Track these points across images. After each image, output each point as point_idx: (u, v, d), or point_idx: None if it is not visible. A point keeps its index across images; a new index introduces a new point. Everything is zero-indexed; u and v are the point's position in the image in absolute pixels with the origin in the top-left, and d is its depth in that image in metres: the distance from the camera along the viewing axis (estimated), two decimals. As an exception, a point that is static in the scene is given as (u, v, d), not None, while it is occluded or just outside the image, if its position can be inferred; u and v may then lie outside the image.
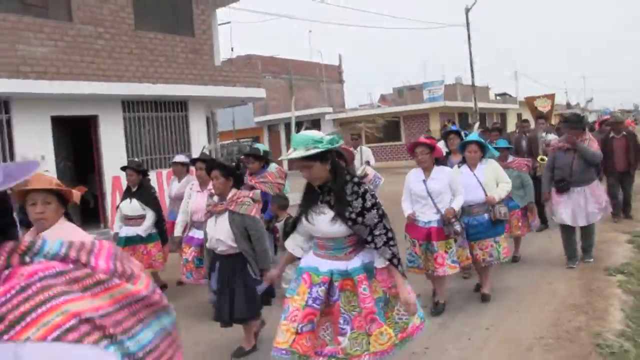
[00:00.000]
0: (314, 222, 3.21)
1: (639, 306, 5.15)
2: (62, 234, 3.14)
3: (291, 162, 3.49)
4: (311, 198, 3.28)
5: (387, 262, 3.13)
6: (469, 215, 5.56)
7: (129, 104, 12.12)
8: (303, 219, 3.30)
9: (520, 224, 7.04)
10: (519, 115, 39.26)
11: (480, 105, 29.81)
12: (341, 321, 3.13)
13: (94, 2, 11.12)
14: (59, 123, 11.04)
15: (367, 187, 3.27)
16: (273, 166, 6.95)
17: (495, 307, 5.34)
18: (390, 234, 3.16)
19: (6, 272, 1.05)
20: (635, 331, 4.46)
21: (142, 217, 6.85)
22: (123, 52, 11.59)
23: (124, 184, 7.70)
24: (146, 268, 5.72)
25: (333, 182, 3.17)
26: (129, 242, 6.78)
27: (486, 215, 5.57)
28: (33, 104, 10.35)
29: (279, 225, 5.99)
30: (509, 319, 4.97)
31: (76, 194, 3.35)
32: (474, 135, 6.48)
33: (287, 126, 31.85)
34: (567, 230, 6.80)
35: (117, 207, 7.30)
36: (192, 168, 7.28)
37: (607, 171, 9.15)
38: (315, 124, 30.74)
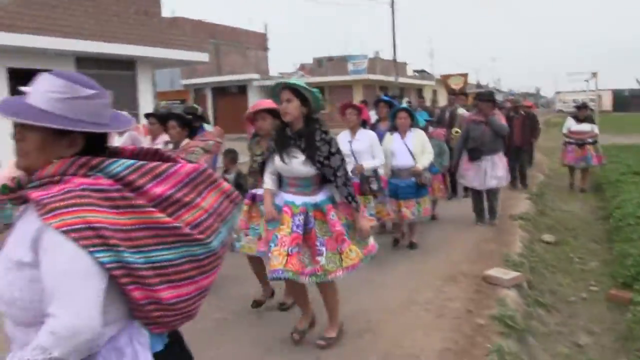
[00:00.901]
0: (289, 163, 3.61)
1: (531, 239, 6.83)
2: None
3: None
4: (284, 142, 3.64)
5: (344, 198, 3.64)
6: (398, 178, 6.20)
7: (82, 61, 12.57)
8: (277, 161, 3.65)
9: (442, 186, 7.94)
10: (435, 92, 41.86)
11: (400, 80, 31.69)
12: (317, 244, 3.56)
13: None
14: (14, 75, 11.35)
15: (332, 135, 3.68)
16: (209, 126, 7.13)
17: (423, 251, 6.37)
18: (347, 176, 3.67)
19: (67, 177, 1.40)
20: (528, 253, 6.10)
21: None
22: (79, 10, 12.01)
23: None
24: None
25: (305, 127, 3.58)
26: None
27: (413, 179, 6.16)
28: (-10, 55, 10.67)
29: (230, 177, 6.17)
30: (439, 254, 6.27)
31: None
32: (404, 104, 7.54)
33: (214, 90, 32.37)
34: (476, 194, 7.60)
35: None
36: (136, 125, 7.72)
37: (507, 146, 9.90)
38: (241, 89, 31.53)
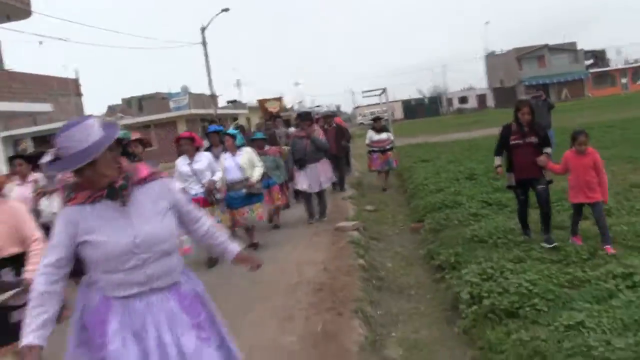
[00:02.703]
0: None
1: (359, 209, 9.77)
2: None
3: None
4: None
5: None
6: (231, 190, 7.12)
7: None
8: None
9: (280, 195, 8.89)
10: (248, 119, 45.06)
11: (218, 112, 34.20)
12: None
13: None
14: None
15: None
16: None
17: (285, 236, 9.07)
18: None
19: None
20: (358, 215, 8.99)
21: None
22: None
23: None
24: None
25: None
26: None
27: (244, 190, 7.11)
28: None
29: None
30: (298, 232, 8.84)
31: None
32: (231, 130, 8.74)
33: (35, 139, 31.80)
34: (307, 196, 8.75)
35: None
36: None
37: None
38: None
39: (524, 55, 63.06)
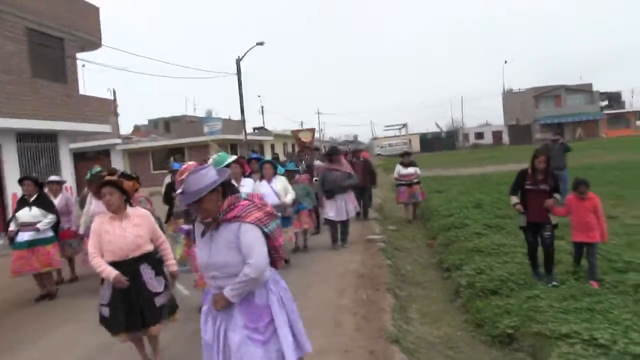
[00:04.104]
0: None
1: (383, 228, 11.76)
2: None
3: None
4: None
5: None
6: None
7: (22, 135, 15.44)
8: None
9: (308, 219, 9.69)
10: (272, 146, 47.39)
11: (242, 137, 36.36)
12: None
13: (5, 55, 14.47)
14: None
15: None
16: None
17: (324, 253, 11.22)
18: None
19: (237, 202, 3.22)
20: (382, 232, 11.00)
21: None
22: (21, 95, 15.00)
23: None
24: (46, 267, 7.62)
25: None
26: (32, 244, 7.55)
27: (279, 214, 8.22)
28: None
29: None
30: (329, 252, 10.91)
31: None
32: (268, 158, 10.00)
33: (75, 155, 34.29)
34: (332, 224, 9.67)
35: (12, 217, 7.91)
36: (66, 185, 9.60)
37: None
38: (105, 154, 33.95)
39: (541, 94, 65.18)
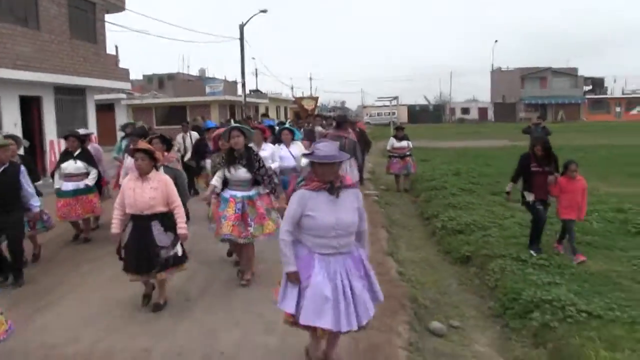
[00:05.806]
0: (235, 173, 5.79)
1: (385, 213, 13.99)
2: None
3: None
4: (232, 160, 5.83)
5: (268, 191, 6.01)
6: (282, 175, 7.91)
7: (58, 89, 17.32)
8: (226, 171, 5.80)
9: None
10: (267, 108, 48.88)
11: (240, 99, 37.99)
12: (249, 220, 5.81)
13: (50, 17, 16.24)
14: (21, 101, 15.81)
15: (258, 153, 6.06)
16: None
17: None
18: (270, 176, 6.02)
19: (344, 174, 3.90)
20: (379, 193, 13.23)
21: (84, 174, 8.33)
22: (62, 54, 16.82)
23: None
24: (89, 213, 8.36)
25: (245, 151, 5.85)
26: (77, 193, 8.25)
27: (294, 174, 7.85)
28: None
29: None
30: None
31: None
32: (287, 124, 11.04)
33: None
34: None
35: (56, 167, 8.53)
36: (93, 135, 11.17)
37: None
38: (110, 107, 35.50)
39: (527, 74, 67.32)
